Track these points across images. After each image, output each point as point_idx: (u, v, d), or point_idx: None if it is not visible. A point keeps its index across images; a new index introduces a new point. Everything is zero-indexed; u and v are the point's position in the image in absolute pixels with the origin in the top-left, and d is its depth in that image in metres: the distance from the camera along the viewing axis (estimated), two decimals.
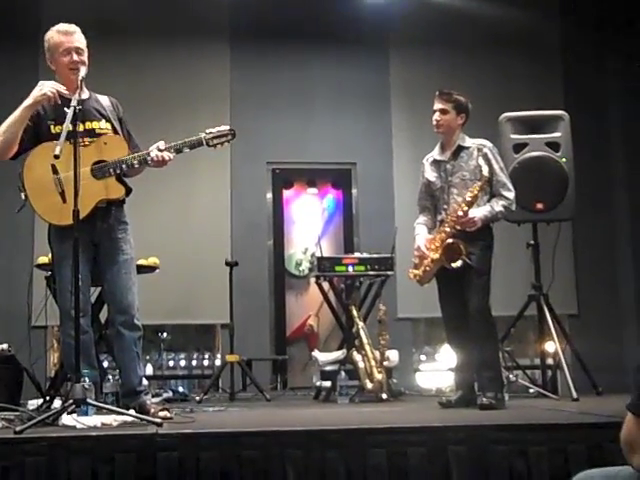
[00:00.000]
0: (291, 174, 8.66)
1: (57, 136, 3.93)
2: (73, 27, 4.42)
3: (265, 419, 4.69)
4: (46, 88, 4.20)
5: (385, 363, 5.96)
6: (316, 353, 6.64)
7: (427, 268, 5.08)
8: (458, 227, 4.93)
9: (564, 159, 6.19)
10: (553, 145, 6.23)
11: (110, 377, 5.21)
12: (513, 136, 6.27)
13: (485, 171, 4.97)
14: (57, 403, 4.97)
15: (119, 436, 3.42)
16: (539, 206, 6.15)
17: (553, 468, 3.39)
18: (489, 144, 5.18)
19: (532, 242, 6.33)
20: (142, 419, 3.82)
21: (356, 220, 8.57)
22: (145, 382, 4.46)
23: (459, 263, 4.89)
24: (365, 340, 6.01)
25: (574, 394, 5.51)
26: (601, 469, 1.83)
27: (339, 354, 6.37)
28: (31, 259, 6.80)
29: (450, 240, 4.93)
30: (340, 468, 3.33)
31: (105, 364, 6.57)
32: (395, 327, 7.03)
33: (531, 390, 6.17)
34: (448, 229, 4.96)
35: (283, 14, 8.22)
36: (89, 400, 3.81)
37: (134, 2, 8.03)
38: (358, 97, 8.47)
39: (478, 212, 4.96)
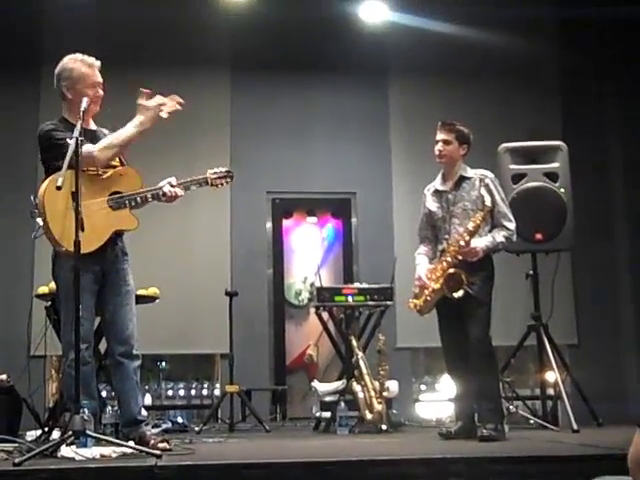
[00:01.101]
0: (291, 204, 8.68)
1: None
2: (96, 60, 4.50)
3: (264, 450, 4.67)
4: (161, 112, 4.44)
5: (385, 393, 5.94)
6: (315, 383, 6.62)
7: (428, 298, 5.09)
8: (460, 257, 4.95)
9: (562, 189, 6.22)
10: (551, 175, 6.26)
11: (109, 408, 5.20)
12: (512, 166, 6.30)
13: (487, 201, 5.00)
14: (56, 434, 4.95)
15: (118, 468, 3.41)
16: (538, 236, 6.17)
17: None
18: (491, 175, 5.21)
19: (531, 272, 6.34)
20: (141, 451, 3.81)
21: (355, 249, 8.58)
22: (144, 412, 4.45)
23: (460, 293, 4.90)
24: (365, 370, 6.00)
25: (574, 425, 5.50)
26: (615, 477, 1.81)
27: (339, 384, 6.35)
28: (31, 289, 6.80)
29: (452, 270, 4.94)
30: None
31: (104, 394, 6.55)
32: (395, 357, 7.01)
33: (531, 421, 6.14)
34: (449, 259, 4.98)
35: (283, 44, 8.28)
36: (88, 432, 3.80)
37: (135, 32, 8.08)
38: (358, 126, 8.51)
39: (480, 242, 4.98)
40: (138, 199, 4.32)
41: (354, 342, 6.15)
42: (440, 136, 5.20)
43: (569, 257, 7.63)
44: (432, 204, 5.25)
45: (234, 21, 8.14)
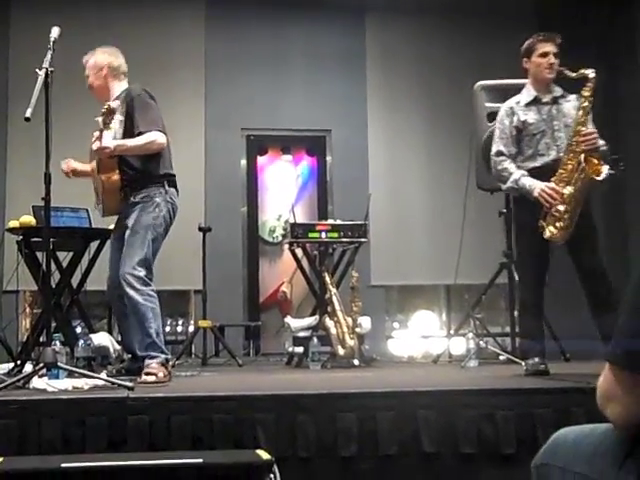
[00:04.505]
0: (265, 141, 8.63)
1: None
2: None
3: (237, 384, 4.71)
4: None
5: (357, 330, 5.99)
6: (289, 319, 6.67)
7: (566, 215, 4.61)
8: (586, 144, 4.57)
9: None
10: None
11: (81, 341, 5.21)
12: (487, 104, 6.25)
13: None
14: (28, 367, 4.96)
15: (90, 399, 3.43)
16: None
17: (520, 432, 3.44)
18: None
19: (504, 210, 6.35)
20: (113, 382, 3.83)
21: (330, 187, 8.57)
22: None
23: (605, 170, 4.53)
24: (338, 307, 6.03)
25: None
26: (579, 426, 1.85)
27: (312, 320, 6.39)
28: (2, 223, 6.74)
29: (585, 154, 4.54)
30: (310, 432, 3.36)
31: (78, 330, 6.56)
32: (368, 294, 7.06)
33: (501, 357, 6.22)
34: (572, 154, 4.57)
35: None
36: (60, 364, 3.81)
37: None
38: (334, 64, 8.44)
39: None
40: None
41: (327, 279, 6.17)
42: (553, 49, 4.80)
43: None
44: (529, 116, 4.76)
45: None
